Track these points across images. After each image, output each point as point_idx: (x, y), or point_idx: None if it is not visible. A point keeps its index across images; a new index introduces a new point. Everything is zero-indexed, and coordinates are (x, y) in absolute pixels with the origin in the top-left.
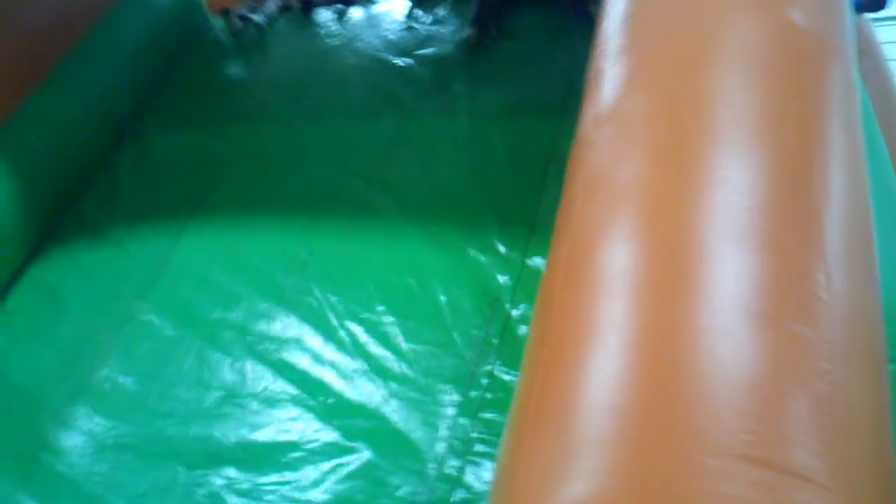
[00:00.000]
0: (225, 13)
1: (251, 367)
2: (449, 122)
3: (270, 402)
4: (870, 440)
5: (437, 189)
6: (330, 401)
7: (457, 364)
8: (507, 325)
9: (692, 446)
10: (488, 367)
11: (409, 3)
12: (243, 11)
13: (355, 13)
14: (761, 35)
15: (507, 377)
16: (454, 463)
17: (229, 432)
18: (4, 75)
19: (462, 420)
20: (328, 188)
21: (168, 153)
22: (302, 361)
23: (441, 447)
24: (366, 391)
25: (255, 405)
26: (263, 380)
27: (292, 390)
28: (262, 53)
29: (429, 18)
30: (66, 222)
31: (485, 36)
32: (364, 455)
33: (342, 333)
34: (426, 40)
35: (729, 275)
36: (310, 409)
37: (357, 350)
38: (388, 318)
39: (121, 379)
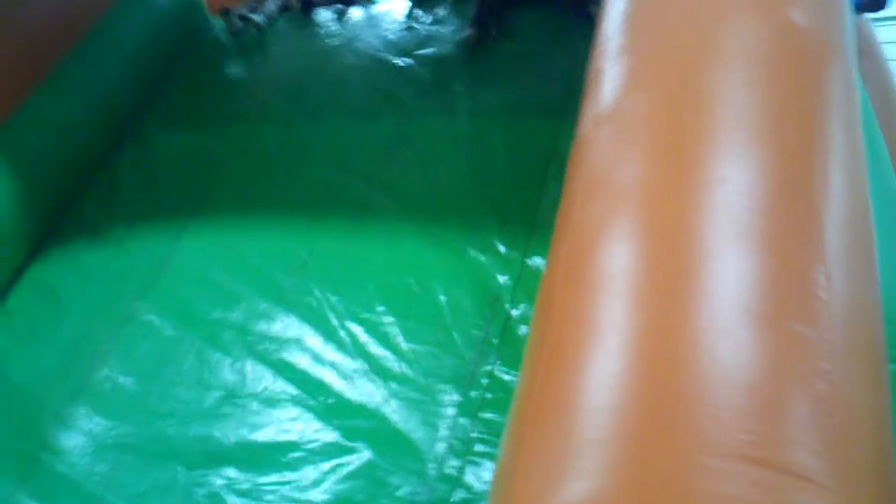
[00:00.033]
0: (225, 13)
1: (251, 367)
2: (449, 122)
3: (270, 402)
4: (870, 440)
5: (438, 189)
6: (330, 401)
7: (457, 364)
8: (507, 325)
9: (692, 446)
10: (488, 367)
11: (409, 3)
12: (243, 11)
13: (355, 13)
14: (761, 35)
15: (507, 377)
16: (454, 463)
17: (229, 432)
18: (4, 75)
19: (462, 420)
20: (328, 188)
21: (168, 153)
22: (302, 361)
23: (441, 447)
24: (366, 391)
25: (255, 405)
26: (263, 380)
27: (292, 390)
28: (262, 53)
29: (429, 18)
30: (66, 222)
31: (485, 36)
32: (364, 455)
33: (342, 333)
34: (426, 40)
35: (729, 275)
36: (310, 409)
37: (357, 350)
38: (388, 318)
39: (121, 379)
